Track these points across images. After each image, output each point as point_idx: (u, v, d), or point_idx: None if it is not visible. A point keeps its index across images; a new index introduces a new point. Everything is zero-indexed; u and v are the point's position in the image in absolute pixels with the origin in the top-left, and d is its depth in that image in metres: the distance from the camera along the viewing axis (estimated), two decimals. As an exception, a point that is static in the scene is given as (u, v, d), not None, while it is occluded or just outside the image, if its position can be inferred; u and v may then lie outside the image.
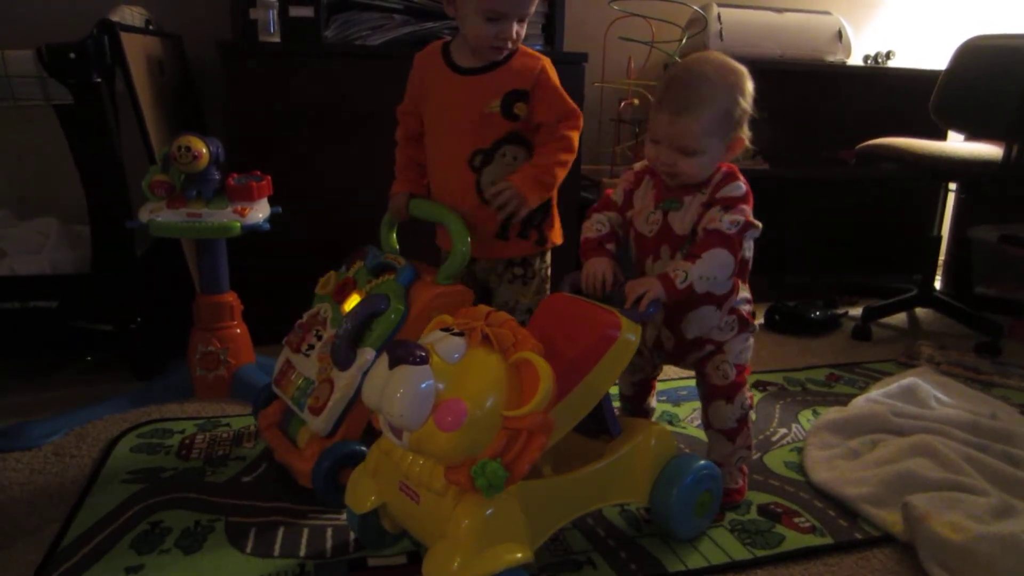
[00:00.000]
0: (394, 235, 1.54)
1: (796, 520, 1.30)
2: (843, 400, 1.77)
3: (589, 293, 1.24)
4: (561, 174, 1.37)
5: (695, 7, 2.36)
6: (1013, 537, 1.11)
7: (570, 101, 1.40)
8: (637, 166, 1.35)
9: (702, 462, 1.22)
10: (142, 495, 1.31)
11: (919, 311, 2.56)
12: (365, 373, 1.18)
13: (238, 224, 1.60)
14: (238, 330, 1.76)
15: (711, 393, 1.32)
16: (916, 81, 2.50)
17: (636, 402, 1.49)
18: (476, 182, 1.40)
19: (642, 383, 1.47)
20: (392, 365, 0.92)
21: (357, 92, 1.98)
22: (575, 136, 1.40)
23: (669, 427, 1.64)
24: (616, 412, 1.21)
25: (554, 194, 1.46)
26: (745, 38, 2.44)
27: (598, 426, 1.18)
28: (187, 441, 1.52)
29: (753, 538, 1.24)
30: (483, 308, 1.04)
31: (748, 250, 1.26)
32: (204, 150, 1.58)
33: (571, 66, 2.05)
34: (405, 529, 1.12)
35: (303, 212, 1.96)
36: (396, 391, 0.90)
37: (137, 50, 1.78)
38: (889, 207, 2.86)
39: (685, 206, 1.24)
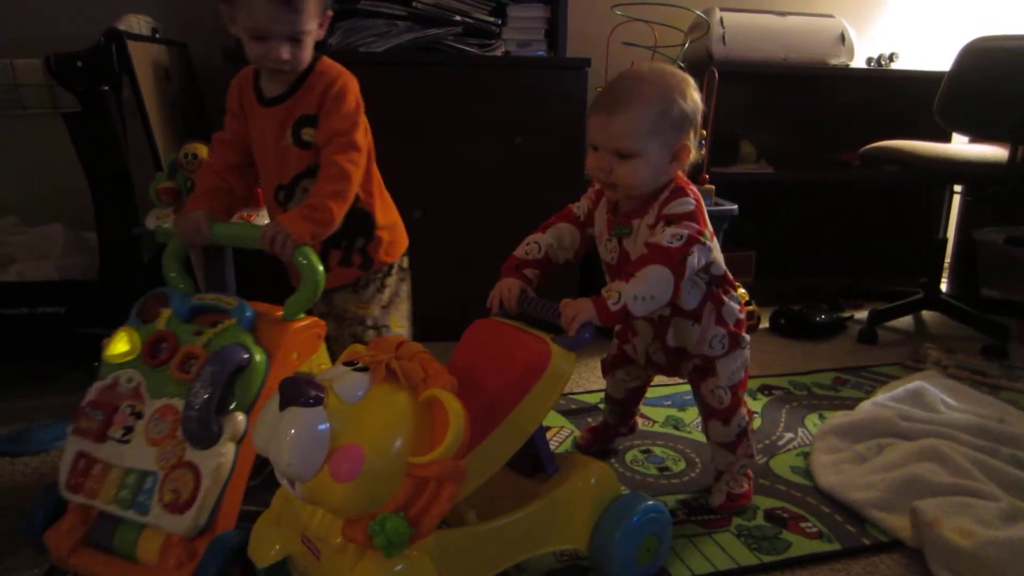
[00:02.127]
0: (180, 266, 1.27)
1: (803, 525, 1.29)
2: (849, 404, 1.76)
3: (504, 311, 1.16)
4: (337, 207, 1.22)
5: (697, 11, 2.36)
6: (1023, 543, 1.11)
7: (350, 120, 1.27)
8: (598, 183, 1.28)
9: (649, 503, 1.10)
10: (149, 501, 1.31)
11: (925, 314, 2.56)
12: (240, 441, 1.05)
13: (244, 230, 1.60)
14: (244, 336, 1.76)
15: (707, 412, 1.32)
16: (920, 83, 2.49)
17: (625, 406, 1.48)
18: None
19: (636, 389, 1.46)
20: (283, 406, 0.82)
21: (362, 99, 1.98)
22: (345, 161, 1.24)
23: (675, 431, 1.64)
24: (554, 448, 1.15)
25: (379, 213, 1.39)
26: (748, 42, 2.44)
27: (533, 463, 1.09)
28: (194, 447, 1.52)
29: (760, 543, 1.24)
30: (394, 339, 0.96)
31: (716, 267, 1.22)
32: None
33: (573, 72, 2.06)
34: None
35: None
36: (285, 436, 0.80)
37: (144, 58, 1.79)
38: (894, 210, 2.86)
39: (635, 231, 1.18)
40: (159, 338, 1.15)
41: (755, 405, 1.80)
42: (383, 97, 1.99)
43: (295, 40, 1.22)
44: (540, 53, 2.15)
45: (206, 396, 1.02)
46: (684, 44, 2.31)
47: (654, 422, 1.69)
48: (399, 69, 2.01)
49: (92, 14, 1.86)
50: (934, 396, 1.71)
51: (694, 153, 1.17)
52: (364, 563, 0.86)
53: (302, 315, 1.17)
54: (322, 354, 1.21)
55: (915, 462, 1.39)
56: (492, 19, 2.10)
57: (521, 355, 1.02)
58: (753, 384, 1.93)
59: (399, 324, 1.47)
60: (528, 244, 1.25)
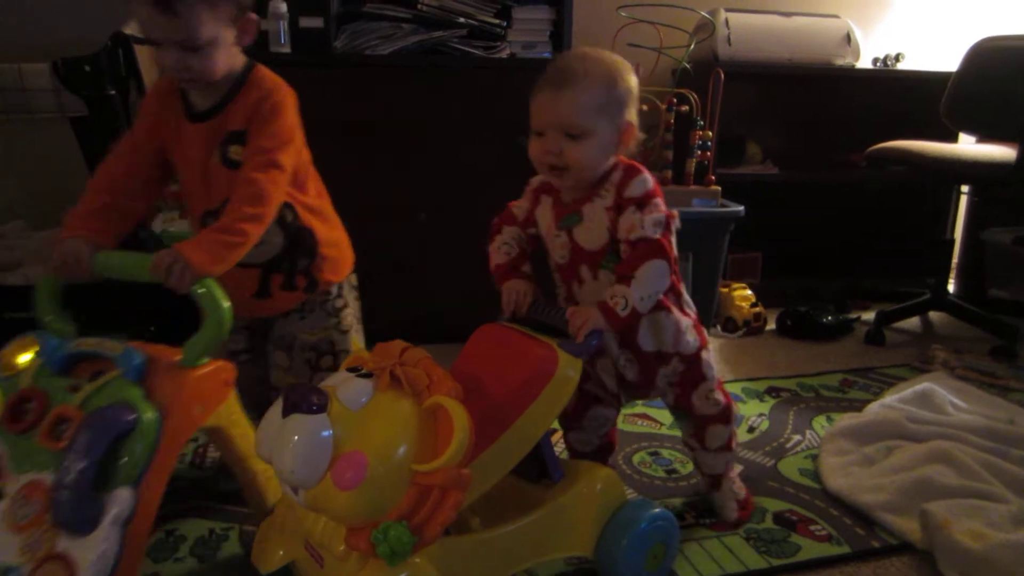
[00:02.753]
0: (56, 306, 1.09)
1: (812, 528, 1.29)
2: (857, 406, 1.75)
3: (516, 316, 1.14)
4: (253, 230, 1.09)
5: (703, 12, 2.36)
6: (1033, 545, 1.10)
7: (278, 139, 1.15)
8: (534, 182, 1.23)
9: (656, 510, 1.09)
10: (157, 505, 1.31)
11: (933, 315, 2.55)
12: (126, 524, 0.88)
13: (250, 234, 1.60)
14: (251, 339, 1.76)
15: (705, 421, 1.24)
16: (926, 83, 2.49)
17: (600, 455, 1.32)
18: None
19: (608, 434, 1.32)
20: (285, 413, 0.82)
21: (367, 101, 1.99)
22: (265, 180, 1.11)
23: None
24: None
25: (322, 230, 1.30)
26: (753, 42, 2.43)
27: (539, 469, 1.07)
28: (200, 450, 1.52)
29: (769, 547, 1.23)
30: (399, 344, 0.93)
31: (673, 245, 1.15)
32: (216, 160, 1.59)
33: (580, 73, 2.06)
34: None
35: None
36: (288, 443, 0.80)
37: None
38: (901, 210, 2.85)
39: (586, 216, 1.12)
40: (24, 397, 0.95)
41: (762, 407, 1.79)
42: (388, 99, 2.00)
43: (191, 49, 1.09)
44: (545, 55, 2.15)
45: (81, 469, 0.85)
46: (689, 45, 2.31)
47: (661, 424, 1.68)
48: (404, 71, 2.01)
49: (99, 19, 1.86)
50: (942, 398, 1.70)
51: (637, 135, 1.13)
52: (367, 572, 0.85)
53: (205, 359, 1.01)
54: (231, 404, 1.06)
55: (924, 464, 1.39)
56: (497, 21, 2.10)
57: (527, 361, 1.01)
58: (760, 386, 1.92)
59: (359, 347, 1.37)
60: (501, 248, 1.21)
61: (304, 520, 0.92)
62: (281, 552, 0.97)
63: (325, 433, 0.81)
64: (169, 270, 0.99)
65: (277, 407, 0.83)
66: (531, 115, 1.11)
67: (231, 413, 1.06)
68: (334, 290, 1.35)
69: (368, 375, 0.87)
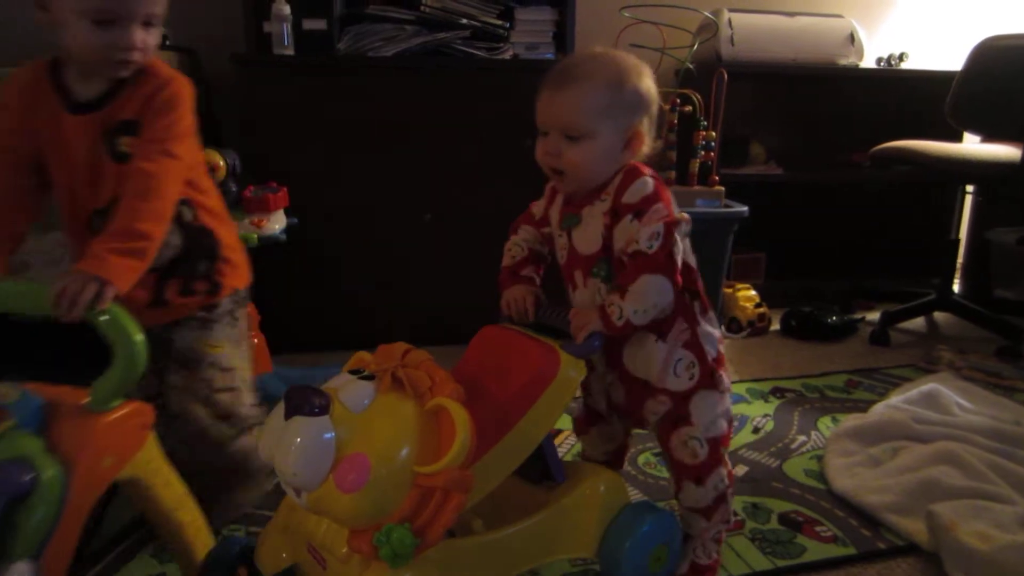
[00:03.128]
0: None
1: (818, 529, 1.29)
2: (863, 407, 1.75)
3: (520, 320, 1.11)
4: (156, 229, 1.00)
5: (706, 13, 2.36)
6: (1041, 546, 1.10)
7: (171, 131, 1.07)
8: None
9: (659, 511, 1.08)
10: (162, 507, 1.31)
11: (938, 315, 2.54)
12: None
13: (255, 235, 1.61)
14: (255, 340, 1.76)
15: (678, 471, 1.11)
16: (931, 83, 2.48)
17: (609, 466, 1.24)
18: None
19: (616, 452, 1.28)
20: (288, 415, 0.81)
21: (371, 102, 1.99)
22: (157, 170, 1.03)
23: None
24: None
25: (223, 232, 1.22)
26: (757, 43, 2.43)
27: (541, 471, 1.07)
28: (206, 452, 1.52)
29: (774, 548, 1.23)
30: (401, 346, 0.92)
31: (690, 255, 1.06)
32: (221, 163, 1.60)
33: (584, 74, 2.06)
34: None
35: (319, 223, 1.97)
36: (290, 445, 0.79)
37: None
38: (905, 210, 2.84)
39: (584, 219, 1.07)
40: None
41: (767, 408, 1.79)
42: (392, 101, 2.01)
43: (149, 24, 1.03)
44: (548, 56, 2.15)
45: None
46: (693, 45, 2.30)
47: (666, 425, 1.68)
48: (408, 73, 2.01)
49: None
50: (948, 398, 1.70)
51: (648, 143, 1.06)
52: (370, 574, 0.85)
53: (118, 401, 0.89)
54: (151, 451, 0.95)
55: (930, 465, 1.38)
56: (500, 22, 2.10)
57: (529, 362, 1.00)
58: (765, 386, 1.92)
59: (246, 364, 1.26)
60: (510, 251, 1.19)
61: (306, 522, 0.92)
62: (284, 554, 0.96)
63: (327, 435, 0.80)
64: (76, 298, 0.87)
65: (279, 410, 0.83)
66: (536, 114, 1.06)
67: (150, 461, 0.95)
68: (237, 297, 1.25)
69: (370, 377, 0.87)
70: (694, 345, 1.07)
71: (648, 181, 1.02)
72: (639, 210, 1.00)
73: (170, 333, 1.19)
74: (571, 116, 1.02)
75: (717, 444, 1.08)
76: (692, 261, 1.07)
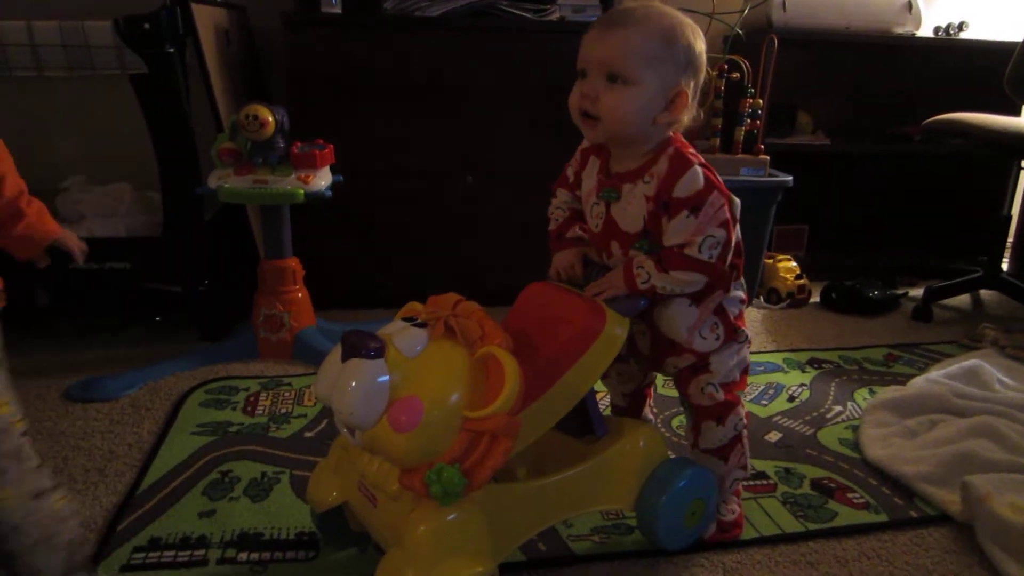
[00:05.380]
0: None
1: (850, 496, 1.29)
2: (901, 380, 1.73)
3: (572, 283, 1.12)
4: None
5: (759, -23, 2.31)
6: (1077, 520, 1.09)
7: None
8: (585, 143, 1.15)
9: (694, 468, 1.11)
10: (212, 447, 1.38)
11: (984, 293, 2.49)
12: None
13: (302, 191, 1.65)
14: (300, 294, 1.81)
15: (698, 414, 1.14)
16: (990, 53, 2.40)
17: (631, 414, 1.32)
18: None
19: (634, 393, 1.30)
20: (345, 357, 0.84)
21: (417, 62, 2.00)
22: None
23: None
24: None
25: None
26: (809, 9, 2.37)
27: (583, 425, 1.09)
28: (252, 398, 1.58)
29: (806, 511, 1.24)
30: (452, 296, 0.95)
31: (737, 232, 1.06)
32: (271, 119, 1.62)
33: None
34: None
35: (363, 181, 2.00)
36: (347, 386, 0.83)
37: (206, 21, 1.83)
38: (955, 185, 2.77)
39: (625, 197, 1.05)
40: None
41: (803, 377, 1.79)
42: (438, 62, 2.01)
43: None
44: (595, 18, 2.12)
45: None
46: (743, 10, 2.26)
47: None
48: (454, 33, 2.02)
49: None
50: (990, 374, 1.67)
51: (691, 109, 1.02)
52: (419, 511, 0.88)
53: None
54: None
55: (968, 438, 1.37)
56: (547, -16, 2.08)
57: (576, 318, 1.02)
58: (802, 356, 1.91)
59: (9, 393, 0.84)
60: (553, 214, 1.19)
61: (358, 461, 0.95)
62: (335, 492, 1.01)
63: (382, 378, 0.83)
64: None
65: (336, 352, 0.87)
66: (579, 54, 1.01)
67: None
68: None
69: (422, 325, 0.90)
70: (720, 311, 1.10)
71: (698, 172, 0.99)
72: (695, 206, 0.98)
73: None
74: (618, 55, 0.96)
75: (732, 387, 1.12)
76: (737, 234, 1.06)
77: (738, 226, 1.05)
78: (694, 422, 1.15)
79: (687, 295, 1.06)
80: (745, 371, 1.15)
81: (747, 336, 1.13)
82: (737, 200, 1.03)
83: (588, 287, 1.05)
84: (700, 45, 1.02)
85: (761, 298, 2.34)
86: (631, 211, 1.04)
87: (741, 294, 1.12)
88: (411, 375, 0.85)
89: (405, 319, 0.92)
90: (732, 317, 1.11)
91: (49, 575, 0.87)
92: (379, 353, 0.84)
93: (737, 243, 1.06)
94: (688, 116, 1.03)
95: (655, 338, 1.11)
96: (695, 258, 1.00)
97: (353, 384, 0.83)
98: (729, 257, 1.03)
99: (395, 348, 0.86)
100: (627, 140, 1.03)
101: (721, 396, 1.11)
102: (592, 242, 1.14)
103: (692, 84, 1.01)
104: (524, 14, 2.07)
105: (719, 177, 1.02)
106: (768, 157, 2.17)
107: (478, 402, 0.86)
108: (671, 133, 1.04)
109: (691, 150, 1.03)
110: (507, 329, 0.94)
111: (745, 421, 1.16)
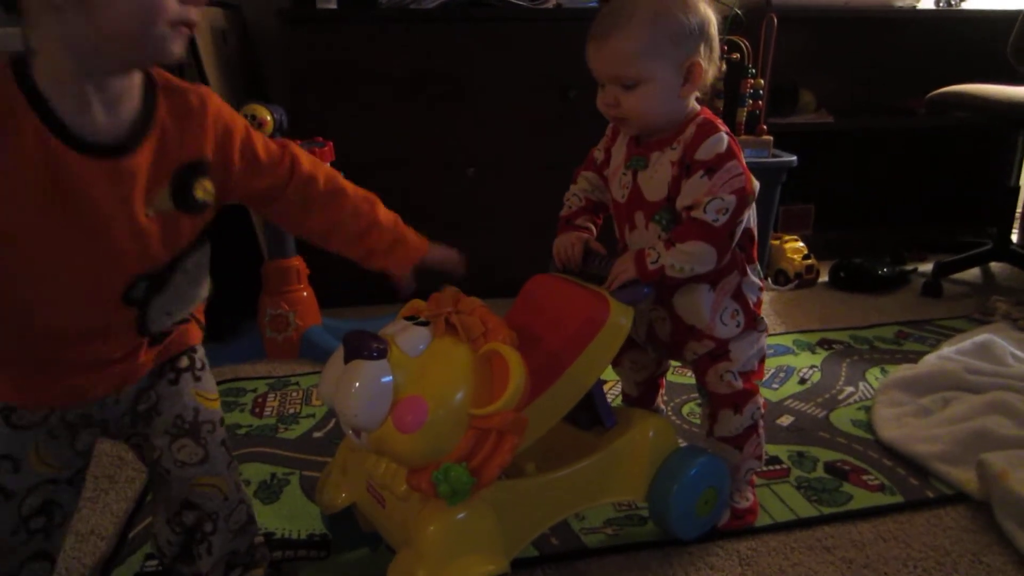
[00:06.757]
0: None
1: (864, 478, 1.28)
2: (913, 358, 1.72)
3: (568, 269, 1.12)
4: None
5: (756, -46, 2.28)
6: (1096, 495, 1.08)
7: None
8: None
9: (706, 456, 1.10)
10: (222, 450, 1.38)
11: (994, 266, 2.46)
12: None
13: (302, 190, 1.63)
14: (305, 293, 1.81)
15: (715, 402, 1.14)
16: (992, 23, 2.36)
17: (643, 404, 1.31)
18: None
19: (647, 382, 1.29)
20: (347, 359, 0.84)
21: (414, 56, 1.98)
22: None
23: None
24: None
25: None
26: (809, -15, 2.34)
27: (591, 417, 1.09)
28: (260, 399, 1.58)
29: (820, 495, 1.23)
30: (452, 292, 0.94)
31: (751, 219, 1.06)
32: (269, 118, 1.61)
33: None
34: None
35: (363, 177, 1.99)
36: (350, 388, 0.82)
37: (202, 20, 1.81)
38: (962, 158, 2.74)
39: (652, 164, 1.06)
40: None
41: (814, 359, 1.77)
42: (436, 53, 2.00)
43: None
44: (592, 4, 2.10)
45: None
46: (741, -11, 2.23)
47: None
48: (451, 24, 2.00)
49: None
50: (1003, 349, 1.66)
51: (711, 71, 1.02)
52: (428, 511, 0.88)
53: None
54: None
55: (982, 415, 1.36)
56: (542, -30, 2.06)
57: (579, 309, 1.01)
58: (812, 338, 1.90)
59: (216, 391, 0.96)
60: (567, 201, 1.19)
61: (366, 462, 0.95)
62: (344, 494, 1.01)
63: (386, 378, 0.82)
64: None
65: (338, 355, 0.86)
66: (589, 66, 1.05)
67: None
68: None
69: (425, 323, 0.89)
70: (739, 296, 1.10)
71: (723, 137, 1.00)
72: (711, 167, 0.99)
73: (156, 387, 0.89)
74: (619, 67, 0.99)
75: (750, 376, 1.13)
76: (751, 220, 1.07)
77: (752, 211, 1.05)
78: (711, 410, 1.15)
79: (704, 279, 1.06)
80: (763, 360, 1.15)
81: (766, 325, 1.14)
82: (756, 182, 1.02)
83: (612, 270, 1.04)
84: (698, 6, 1.00)
85: (769, 280, 2.33)
86: (657, 177, 1.05)
87: (758, 281, 1.12)
88: (415, 374, 0.84)
89: (407, 318, 0.91)
90: (752, 304, 1.11)
91: (222, 563, 0.95)
92: (381, 354, 0.83)
93: (748, 230, 1.07)
94: (711, 75, 1.03)
95: (675, 324, 1.12)
96: (699, 220, 0.98)
97: (356, 386, 0.82)
98: (738, 231, 1.01)
99: (398, 348, 0.85)
100: (660, 125, 1.05)
101: (740, 384, 1.11)
102: (616, 215, 1.15)
103: (701, 48, 1.01)
104: (520, 2, 2.04)
105: (743, 154, 1.02)
106: (771, 137, 2.15)
107: (483, 399, 0.85)
108: (697, 100, 1.06)
109: (720, 122, 1.04)
110: (510, 322, 0.93)
111: (763, 411, 1.15)
